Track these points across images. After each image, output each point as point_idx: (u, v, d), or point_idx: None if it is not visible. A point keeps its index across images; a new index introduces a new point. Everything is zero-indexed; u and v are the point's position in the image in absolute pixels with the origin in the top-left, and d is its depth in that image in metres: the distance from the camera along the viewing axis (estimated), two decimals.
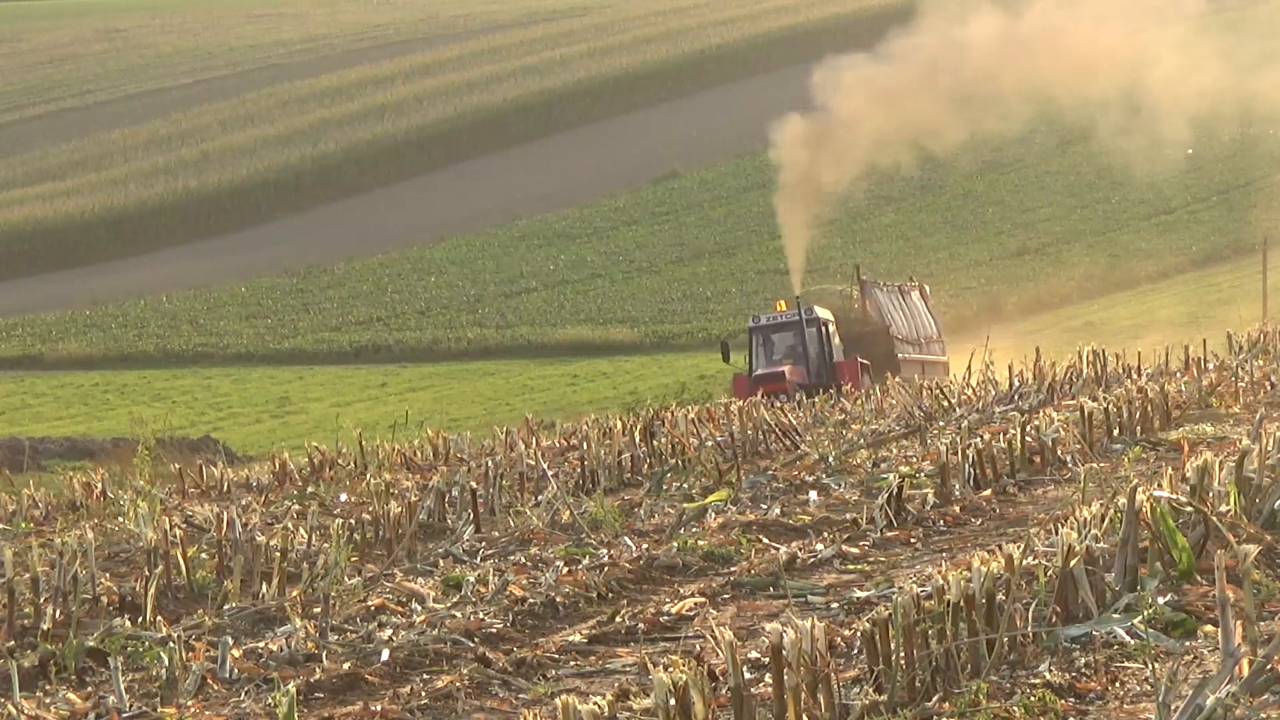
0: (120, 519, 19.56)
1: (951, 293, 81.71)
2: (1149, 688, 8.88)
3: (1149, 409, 21.50)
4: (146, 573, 14.27)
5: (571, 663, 11.36)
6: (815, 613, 11.84)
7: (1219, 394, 24.65)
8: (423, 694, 10.54)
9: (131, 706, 10.51)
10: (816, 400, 37.76)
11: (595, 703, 7.94)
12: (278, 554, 14.15)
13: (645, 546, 15.27)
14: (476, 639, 11.90)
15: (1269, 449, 13.62)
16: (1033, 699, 8.79)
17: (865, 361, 48.91)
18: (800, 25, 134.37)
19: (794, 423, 25.56)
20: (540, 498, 18.79)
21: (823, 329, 49.11)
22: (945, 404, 26.68)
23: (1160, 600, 10.44)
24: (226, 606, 13.53)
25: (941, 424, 24.26)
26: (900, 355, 52.18)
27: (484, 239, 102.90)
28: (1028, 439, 18.72)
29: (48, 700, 10.80)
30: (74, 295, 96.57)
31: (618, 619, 12.38)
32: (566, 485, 20.38)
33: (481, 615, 12.51)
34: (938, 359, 55.85)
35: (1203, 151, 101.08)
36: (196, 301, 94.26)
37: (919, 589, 10.04)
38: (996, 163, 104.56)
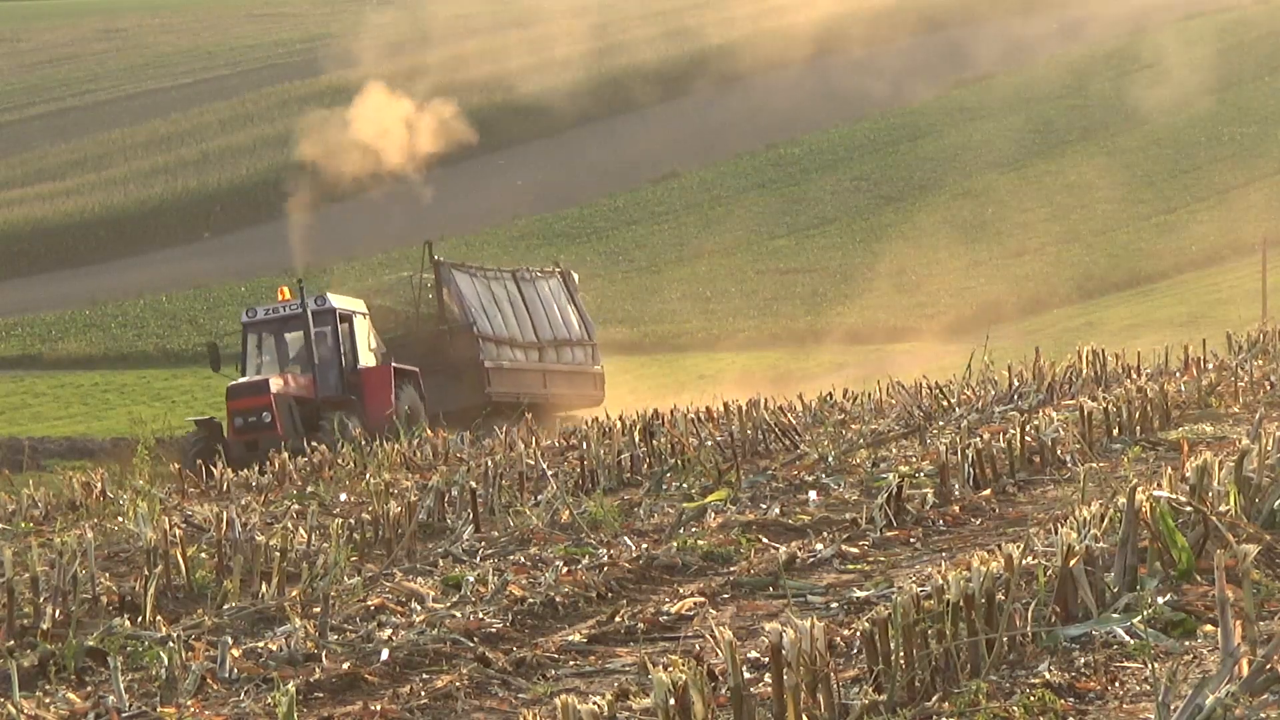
0: (120, 519, 19.60)
1: (951, 293, 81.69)
2: (1149, 688, 8.87)
3: (1148, 409, 21.49)
4: (146, 572, 14.28)
5: (571, 662, 11.35)
6: (815, 612, 11.83)
7: (1219, 394, 24.63)
8: (422, 694, 10.54)
9: (131, 706, 10.50)
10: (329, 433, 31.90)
11: (595, 702, 7.93)
12: (277, 554, 14.16)
13: (645, 546, 15.26)
14: (476, 639, 11.90)
15: (1269, 449, 13.60)
16: (1032, 699, 8.79)
17: (412, 369, 39.17)
18: (800, 25, 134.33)
19: (794, 422, 25.58)
20: (540, 497, 18.81)
21: (341, 325, 38.64)
22: (945, 404, 26.70)
23: (1160, 600, 10.43)
24: (226, 606, 13.54)
25: (941, 424, 24.27)
26: (488, 362, 41.99)
27: (484, 239, 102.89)
28: (1027, 439, 18.71)
29: (47, 700, 10.79)
30: (74, 295, 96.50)
31: (617, 619, 12.37)
32: (566, 485, 20.38)
33: (481, 615, 12.51)
34: (576, 368, 45.57)
35: (1203, 151, 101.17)
36: (196, 301, 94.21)
37: (919, 589, 10.03)
38: (996, 163, 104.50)
